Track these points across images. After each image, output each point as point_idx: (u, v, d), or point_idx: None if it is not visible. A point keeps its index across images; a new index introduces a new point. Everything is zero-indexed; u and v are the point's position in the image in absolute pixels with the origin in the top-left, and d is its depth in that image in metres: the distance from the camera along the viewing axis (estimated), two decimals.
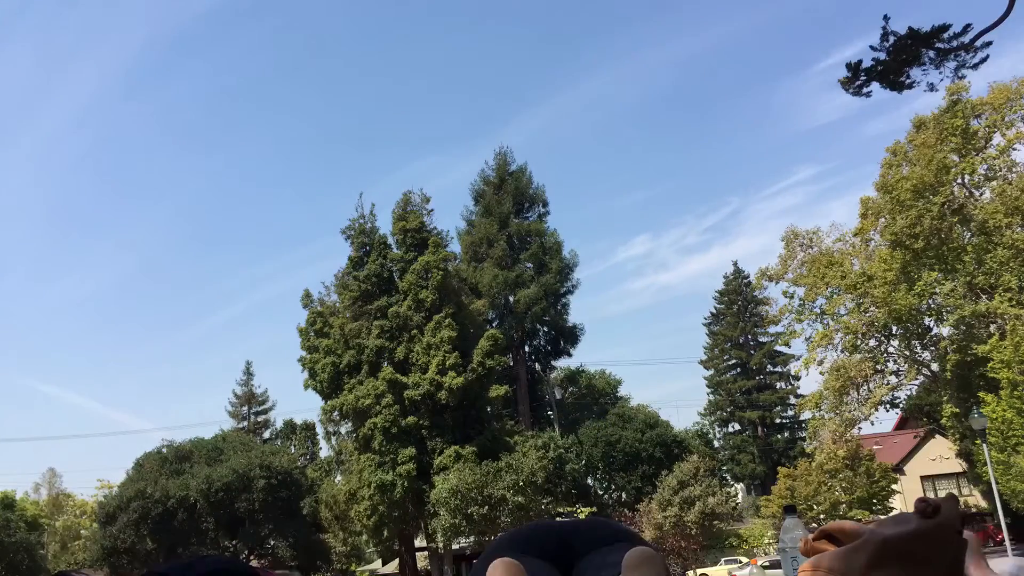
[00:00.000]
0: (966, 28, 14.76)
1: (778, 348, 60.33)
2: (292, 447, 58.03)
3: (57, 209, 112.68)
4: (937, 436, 40.12)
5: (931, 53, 14.99)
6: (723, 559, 40.36)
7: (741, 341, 64.25)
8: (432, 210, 40.95)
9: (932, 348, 35.32)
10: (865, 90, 15.83)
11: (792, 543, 2.11)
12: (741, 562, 38.61)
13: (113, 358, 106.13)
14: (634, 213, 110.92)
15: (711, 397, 64.94)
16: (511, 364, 47.64)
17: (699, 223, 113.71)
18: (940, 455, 39.09)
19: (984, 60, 14.99)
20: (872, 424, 38.87)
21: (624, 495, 47.76)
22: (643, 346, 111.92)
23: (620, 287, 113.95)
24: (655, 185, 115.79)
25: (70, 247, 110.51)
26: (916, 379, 37.06)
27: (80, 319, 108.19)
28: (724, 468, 60.15)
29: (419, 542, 40.58)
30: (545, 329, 50.53)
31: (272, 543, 39.14)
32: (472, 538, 34.78)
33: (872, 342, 36.73)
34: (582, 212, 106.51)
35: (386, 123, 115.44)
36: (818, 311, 37.85)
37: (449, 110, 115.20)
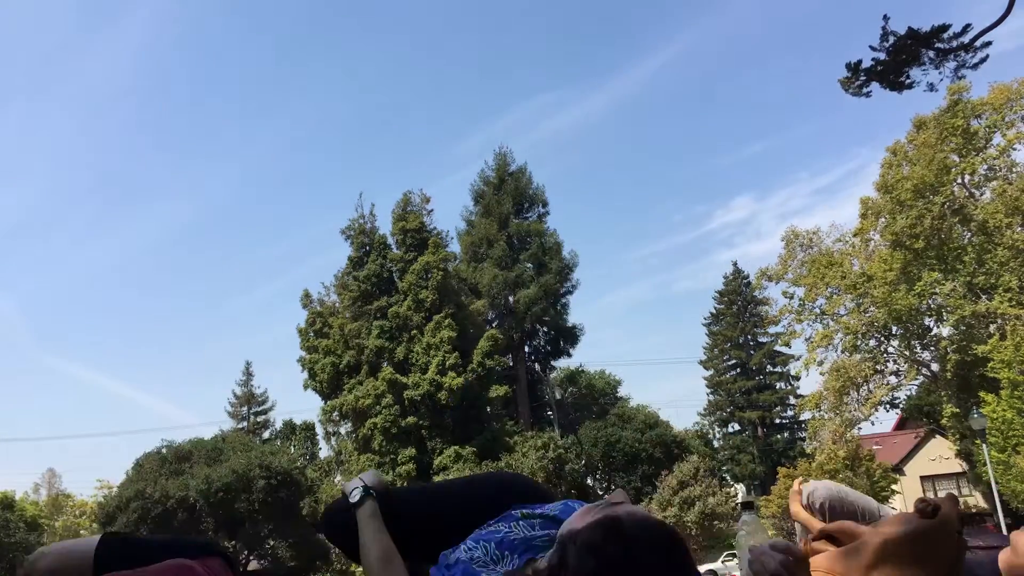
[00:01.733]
0: (966, 28, 14.77)
1: (778, 348, 60.36)
2: (292, 447, 58.04)
3: (97, 171, 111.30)
4: (937, 436, 40.11)
5: (931, 53, 15.00)
6: (722, 559, 40.38)
7: (741, 341, 64.26)
8: (432, 210, 41.09)
9: (932, 348, 35.32)
10: (865, 90, 15.85)
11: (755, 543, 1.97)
12: None
13: (130, 338, 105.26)
14: (745, 168, 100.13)
15: (711, 397, 64.98)
16: (511, 364, 47.67)
17: (813, 181, 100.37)
18: (940, 455, 39.08)
19: (984, 60, 15.00)
20: (872, 424, 38.89)
21: None
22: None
23: (701, 261, 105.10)
24: (777, 135, 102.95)
25: (100, 212, 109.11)
26: (916, 379, 37.06)
27: (103, 290, 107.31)
28: (724, 468, 60.15)
29: None
30: (545, 329, 50.57)
31: (271, 543, 39.12)
32: None
33: (872, 342, 36.73)
34: (683, 171, 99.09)
35: (387, 123, 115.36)
36: (818, 311, 37.87)
37: (456, 105, 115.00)
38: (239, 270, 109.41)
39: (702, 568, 38.38)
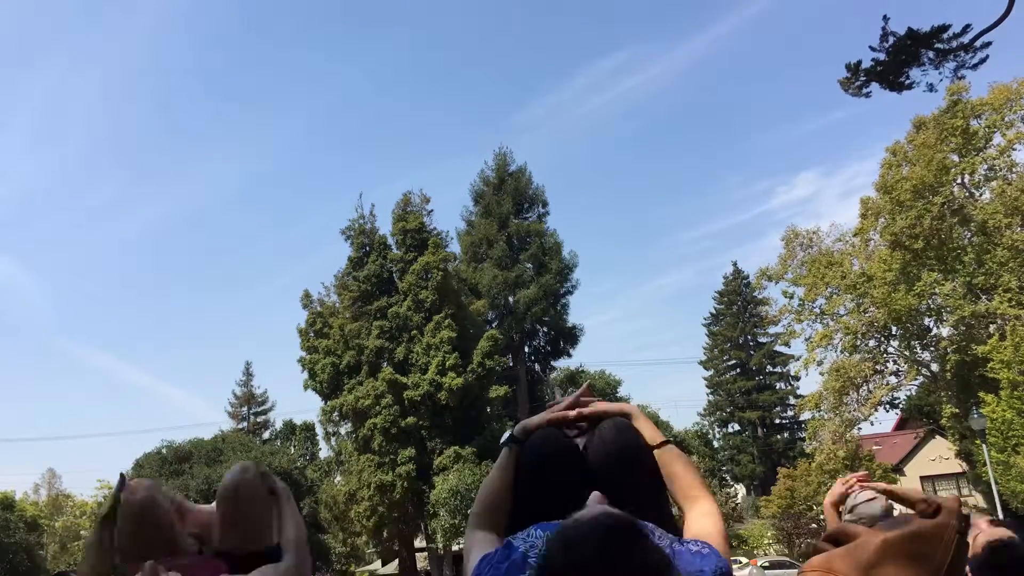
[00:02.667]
0: (965, 28, 14.76)
1: (778, 348, 60.34)
2: (292, 448, 58.03)
3: (117, 145, 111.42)
4: (937, 436, 40.11)
5: (930, 54, 14.99)
6: None
7: (741, 341, 64.25)
8: (432, 210, 41.07)
9: (932, 348, 35.31)
10: (865, 90, 15.85)
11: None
12: (741, 562, 38.61)
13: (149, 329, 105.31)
14: (816, 141, 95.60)
15: (711, 397, 64.98)
16: (511, 365, 47.64)
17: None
18: (940, 455, 39.09)
19: (983, 60, 15.00)
20: (872, 424, 38.91)
21: None
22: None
23: (756, 243, 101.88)
24: (855, 104, 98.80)
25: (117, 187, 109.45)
26: (916, 379, 37.05)
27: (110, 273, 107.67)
28: (724, 468, 60.16)
29: (419, 543, 40.55)
30: (545, 330, 50.54)
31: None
32: None
33: (872, 342, 36.72)
34: (754, 140, 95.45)
35: (388, 123, 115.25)
36: (818, 311, 37.85)
37: (461, 104, 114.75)
38: (238, 269, 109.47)
39: None
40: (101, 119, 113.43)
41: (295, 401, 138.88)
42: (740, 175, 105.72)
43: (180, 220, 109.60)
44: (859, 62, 15.56)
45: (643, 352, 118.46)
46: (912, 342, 35.77)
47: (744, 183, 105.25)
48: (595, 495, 1.48)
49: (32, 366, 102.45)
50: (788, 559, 35.99)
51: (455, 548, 37.44)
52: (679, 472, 1.71)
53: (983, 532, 1.90)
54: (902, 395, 39.39)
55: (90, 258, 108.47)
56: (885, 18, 15.27)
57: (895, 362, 37.06)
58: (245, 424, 61.81)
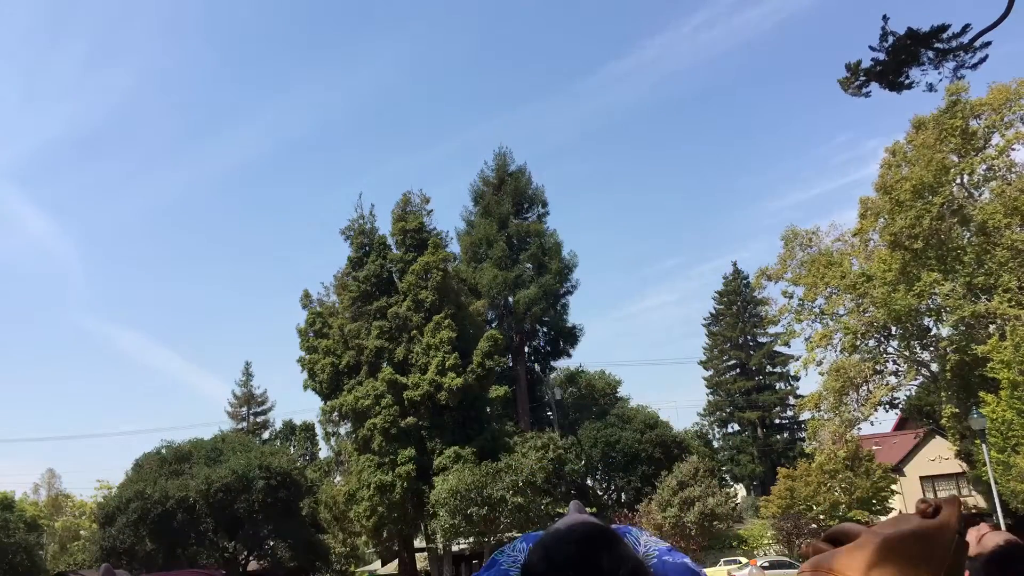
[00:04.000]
0: (965, 28, 14.74)
1: (777, 348, 60.31)
2: (291, 448, 58.01)
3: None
4: (937, 437, 40.10)
5: (930, 53, 14.97)
6: (723, 559, 40.35)
7: (740, 342, 64.23)
8: (432, 211, 41.06)
9: (932, 348, 35.30)
10: (864, 90, 15.82)
11: None
12: (741, 562, 38.61)
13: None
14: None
15: (710, 398, 64.96)
16: (511, 365, 47.65)
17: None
18: (940, 455, 39.08)
19: (983, 60, 14.97)
20: (872, 424, 38.88)
21: (623, 495, 47.79)
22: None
23: (838, 215, 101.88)
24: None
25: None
26: (916, 379, 37.03)
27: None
28: (724, 469, 60.14)
29: (419, 543, 40.54)
30: (544, 330, 50.56)
31: (271, 544, 39.09)
32: (472, 539, 34.78)
33: (871, 342, 36.71)
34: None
35: (389, 121, 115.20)
36: (817, 311, 37.84)
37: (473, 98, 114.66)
38: (238, 268, 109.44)
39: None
40: (100, 117, 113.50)
41: (295, 401, 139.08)
42: (848, 133, 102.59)
43: (177, 219, 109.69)
44: (859, 61, 15.54)
45: (689, 340, 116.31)
46: (912, 342, 35.75)
47: (850, 143, 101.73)
48: (574, 503, 1.52)
49: (55, 345, 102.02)
50: (788, 559, 35.99)
51: (455, 548, 37.43)
52: None
53: (989, 533, 1.86)
54: (902, 395, 39.37)
55: (91, 249, 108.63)
56: (885, 18, 15.26)
57: (895, 362, 37.05)
58: (245, 424, 61.79)
